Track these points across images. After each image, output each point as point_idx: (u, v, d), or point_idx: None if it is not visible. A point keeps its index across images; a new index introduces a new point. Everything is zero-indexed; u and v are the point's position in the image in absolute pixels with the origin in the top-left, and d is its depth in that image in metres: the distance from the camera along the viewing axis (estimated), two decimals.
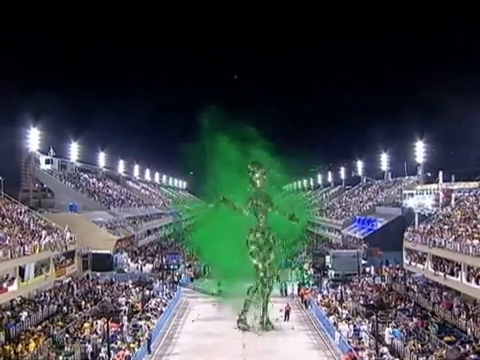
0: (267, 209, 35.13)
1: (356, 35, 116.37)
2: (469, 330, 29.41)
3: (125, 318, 33.56)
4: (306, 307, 40.61)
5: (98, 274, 46.65)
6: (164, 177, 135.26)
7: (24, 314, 31.71)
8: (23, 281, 32.83)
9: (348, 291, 41.01)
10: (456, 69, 69.49)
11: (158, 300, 39.71)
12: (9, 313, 31.54)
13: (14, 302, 33.69)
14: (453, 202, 45.97)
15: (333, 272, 47.67)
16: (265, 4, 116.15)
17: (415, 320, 31.58)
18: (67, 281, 41.27)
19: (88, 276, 45.62)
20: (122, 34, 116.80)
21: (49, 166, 66.65)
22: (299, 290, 44.28)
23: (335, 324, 32.49)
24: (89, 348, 28.05)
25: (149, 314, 35.29)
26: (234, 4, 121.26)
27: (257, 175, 34.72)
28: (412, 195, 56.96)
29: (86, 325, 31.18)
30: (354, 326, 31.76)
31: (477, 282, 30.75)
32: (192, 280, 50.17)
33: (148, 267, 52.82)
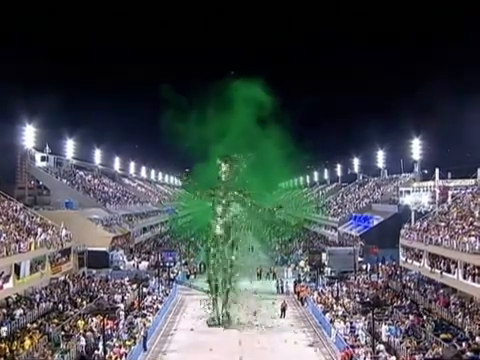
0: (233, 203, 35.05)
1: (353, 33, 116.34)
2: (466, 328, 29.32)
3: (122, 313, 33.56)
4: (302, 304, 40.61)
5: (94, 271, 46.37)
6: (160, 174, 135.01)
7: (19, 312, 31.57)
8: (18, 278, 32.65)
9: (344, 288, 40.99)
10: (453, 67, 69.61)
11: (154, 297, 39.65)
12: (4, 311, 31.35)
13: (9, 299, 33.46)
14: (449, 199, 45.92)
15: (329, 269, 47.58)
16: (264, 3, 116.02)
17: (411, 318, 31.50)
18: (63, 278, 41.01)
19: (84, 273, 45.36)
20: (118, 31, 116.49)
21: (45, 163, 66.20)
22: (295, 287, 44.27)
23: (331, 321, 32.45)
24: (83, 342, 27.99)
25: (145, 311, 35.19)
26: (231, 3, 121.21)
27: (224, 169, 34.46)
28: (408, 192, 56.81)
29: (81, 322, 30.99)
30: (350, 323, 31.74)
31: (474, 279, 30.69)
32: (188, 277, 50.11)
33: (144, 264, 52.64)
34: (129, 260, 54.06)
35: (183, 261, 56.36)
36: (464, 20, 77.73)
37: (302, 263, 53.34)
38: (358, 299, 36.46)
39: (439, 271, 34.87)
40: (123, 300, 37.62)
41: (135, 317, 33.42)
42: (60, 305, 34.94)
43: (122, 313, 33.76)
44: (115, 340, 28.48)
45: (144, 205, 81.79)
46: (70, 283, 40.25)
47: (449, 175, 51.23)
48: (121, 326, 31.40)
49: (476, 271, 30.80)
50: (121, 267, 50.72)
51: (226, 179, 34.78)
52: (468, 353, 24.92)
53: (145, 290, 41.23)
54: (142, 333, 30.11)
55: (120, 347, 27.19)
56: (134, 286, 40.82)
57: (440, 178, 50.95)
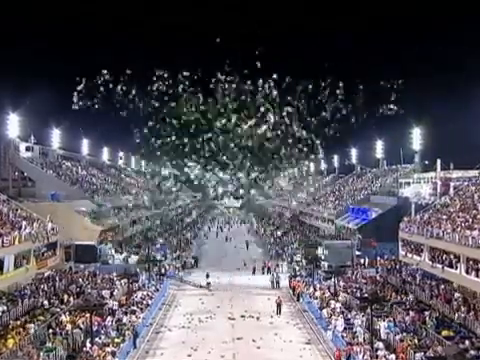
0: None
1: (351, 20, 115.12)
2: (469, 325, 28.55)
3: (115, 306, 33.06)
4: (298, 300, 39.87)
5: (81, 266, 45.42)
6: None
7: (2, 308, 30.60)
8: (2, 274, 31.87)
9: (341, 283, 40.06)
10: (453, 55, 68.48)
11: (144, 293, 38.97)
12: None
13: None
14: (451, 191, 45.03)
15: (326, 264, 46.64)
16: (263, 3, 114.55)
17: (412, 314, 30.82)
18: (49, 274, 40.02)
19: (71, 268, 44.38)
20: (109, 21, 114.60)
21: (30, 154, 64.61)
22: (290, 282, 43.33)
23: (330, 316, 31.89)
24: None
25: (135, 307, 34.57)
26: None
27: None
28: (408, 184, 56.02)
29: (68, 319, 30.16)
30: (348, 320, 31.14)
31: (477, 275, 29.90)
32: (179, 272, 49.19)
33: (134, 259, 51.63)
34: (118, 254, 52.92)
35: (174, 255, 55.39)
36: (464, 20, 76.52)
37: (298, 257, 52.44)
38: (356, 294, 35.51)
39: (441, 266, 33.95)
40: (112, 296, 36.88)
41: (124, 314, 32.79)
42: (46, 301, 34.04)
43: (112, 308, 33.11)
44: (103, 337, 27.93)
45: (134, 197, 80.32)
46: (56, 278, 39.26)
47: (451, 166, 50.04)
48: (110, 323, 30.65)
49: (479, 266, 29.88)
50: (110, 261, 49.66)
51: None
52: (471, 351, 24.32)
53: (135, 285, 40.55)
54: (132, 330, 29.49)
55: (109, 345, 26.57)
56: (123, 281, 40.17)
57: (442, 169, 49.88)
